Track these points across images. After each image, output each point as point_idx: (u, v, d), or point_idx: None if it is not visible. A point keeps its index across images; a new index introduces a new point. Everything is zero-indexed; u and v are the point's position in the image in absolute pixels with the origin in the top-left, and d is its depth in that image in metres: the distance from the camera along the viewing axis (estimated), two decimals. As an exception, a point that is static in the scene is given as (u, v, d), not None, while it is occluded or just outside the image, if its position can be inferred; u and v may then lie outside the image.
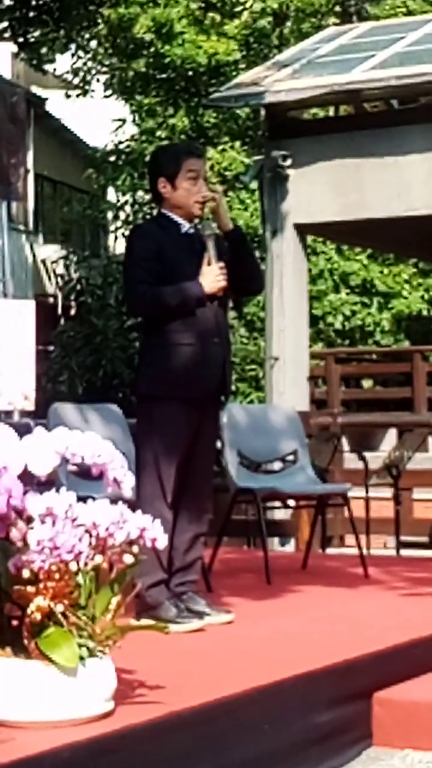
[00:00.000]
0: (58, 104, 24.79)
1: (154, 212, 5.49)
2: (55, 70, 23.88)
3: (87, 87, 24.23)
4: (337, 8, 23.37)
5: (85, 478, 4.72)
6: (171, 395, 5.06)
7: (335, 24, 20.61)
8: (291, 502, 7.85)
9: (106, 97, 24.18)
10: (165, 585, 5.08)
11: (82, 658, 3.35)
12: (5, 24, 16.27)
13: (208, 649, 4.71)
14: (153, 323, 5.15)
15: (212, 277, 5.11)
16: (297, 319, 13.52)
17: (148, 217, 18.42)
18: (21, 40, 17.03)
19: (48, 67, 22.83)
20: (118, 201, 22.98)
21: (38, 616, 3.31)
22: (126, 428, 6.51)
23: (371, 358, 20.35)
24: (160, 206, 5.27)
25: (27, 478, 3.43)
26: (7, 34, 16.53)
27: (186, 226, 5.21)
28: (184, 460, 5.09)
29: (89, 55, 23.65)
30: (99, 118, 24.44)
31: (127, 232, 22.16)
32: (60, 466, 3.56)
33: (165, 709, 3.54)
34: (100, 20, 18.65)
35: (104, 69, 23.89)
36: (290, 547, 10.52)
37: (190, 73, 21.74)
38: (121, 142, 23.19)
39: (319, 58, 13.97)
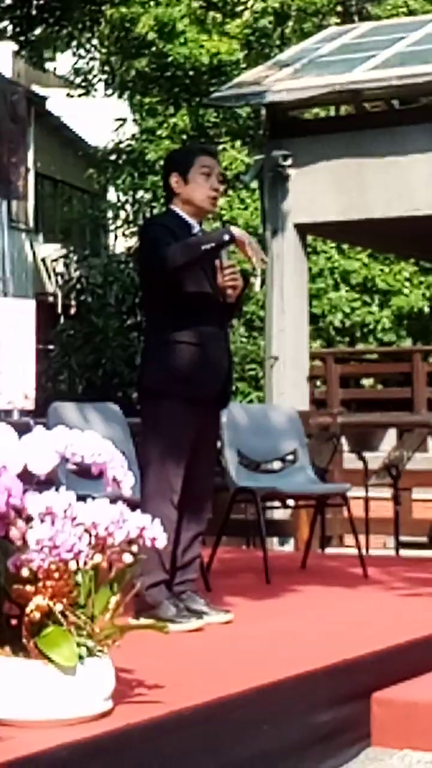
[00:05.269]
0: (58, 103, 24.78)
1: (155, 211, 5.46)
2: (56, 69, 23.91)
3: (88, 86, 24.23)
4: (339, 8, 23.37)
5: (84, 477, 4.73)
6: (177, 393, 5.04)
7: (336, 24, 20.62)
8: (290, 502, 7.84)
9: (107, 96, 24.19)
10: (166, 585, 5.07)
11: (81, 658, 3.35)
12: (6, 23, 16.27)
13: (207, 649, 4.71)
14: (159, 321, 5.12)
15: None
16: (297, 319, 13.51)
17: (147, 216, 18.40)
18: (22, 38, 17.03)
19: (49, 65, 22.87)
20: (119, 200, 22.97)
21: (37, 615, 3.31)
22: (126, 427, 6.51)
23: (371, 358, 20.34)
24: (170, 204, 5.24)
25: (26, 477, 3.43)
26: (8, 33, 16.53)
27: (197, 228, 5.19)
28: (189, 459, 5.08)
29: (90, 54, 23.64)
30: (100, 117, 24.43)
31: (127, 232, 22.13)
32: (59, 465, 3.56)
33: (164, 709, 3.54)
34: (101, 19, 18.64)
35: (105, 68, 23.88)
36: (289, 547, 10.51)
37: (192, 72, 21.74)
38: (121, 142, 23.19)
39: (321, 58, 13.97)
